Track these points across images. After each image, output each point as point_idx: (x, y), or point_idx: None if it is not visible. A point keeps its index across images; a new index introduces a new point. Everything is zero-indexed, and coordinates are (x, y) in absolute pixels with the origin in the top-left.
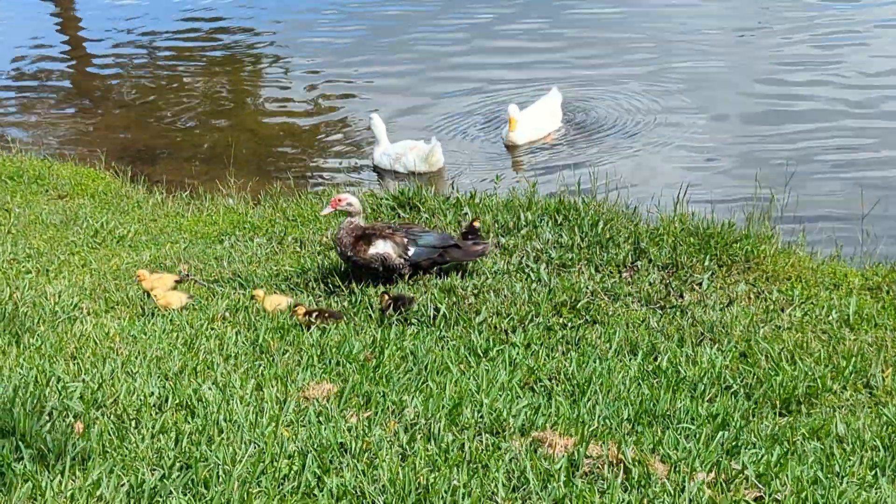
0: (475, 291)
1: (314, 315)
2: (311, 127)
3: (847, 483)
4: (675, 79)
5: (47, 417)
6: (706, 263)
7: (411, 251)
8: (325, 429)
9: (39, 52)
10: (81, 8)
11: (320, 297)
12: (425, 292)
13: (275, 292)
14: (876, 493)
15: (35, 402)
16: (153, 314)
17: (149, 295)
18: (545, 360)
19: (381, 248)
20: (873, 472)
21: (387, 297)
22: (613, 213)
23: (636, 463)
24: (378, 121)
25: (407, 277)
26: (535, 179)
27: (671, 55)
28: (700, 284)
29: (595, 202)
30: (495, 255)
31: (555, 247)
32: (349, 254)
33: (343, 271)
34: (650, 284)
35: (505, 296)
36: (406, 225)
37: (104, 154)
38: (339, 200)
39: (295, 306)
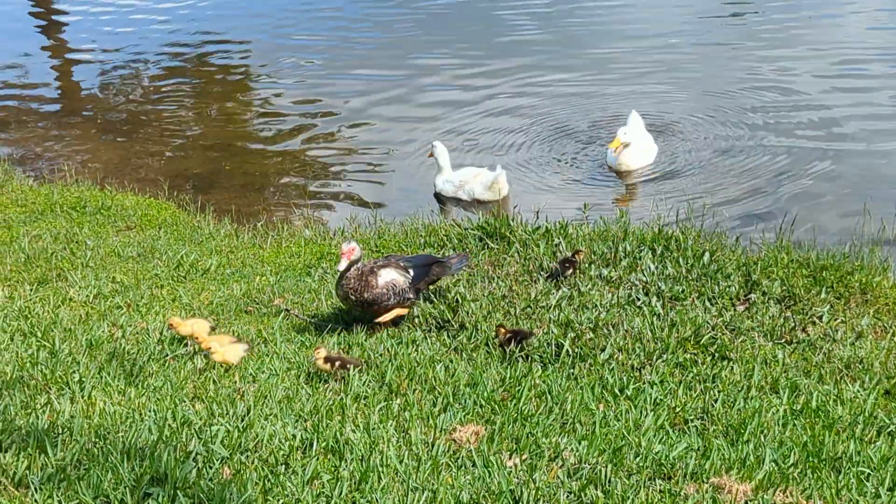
0: (592, 326)
1: (336, 363)
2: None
3: None
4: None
5: (193, 463)
6: (823, 296)
7: (411, 273)
8: (489, 475)
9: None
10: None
11: (428, 329)
12: (539, 327)
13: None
14: None
15: (178, 447)
16: (268, 351)
17: (181, 339)
18: (685, 398)
19: (389, 276)
20: None
21: (503, 329)
22: (716, 244)
23: None
24: (441, 148)
25: (411, 302)
26: (624, 207)
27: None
28: (821, 318)
29: (695, 232)
30: (601, 287)
31: (662, 278)
32: (364, 295)
33: (449, 302)
34: (771, 318)
35: (626, 331)
36: (389, 256)
37: (165, 183)
38: (351, 251)
39: (316, 349)
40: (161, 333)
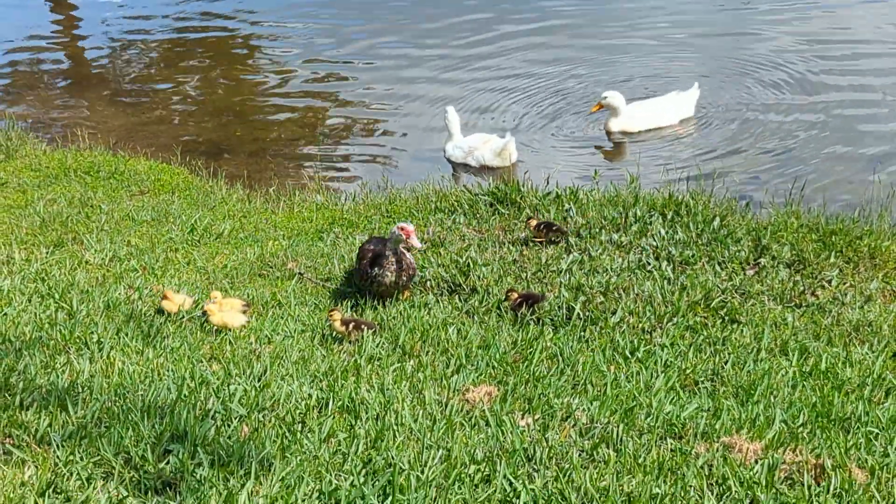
0: (602, 290)
1: (351, 325)
2: (376, 121)
3: None
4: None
5: (211, 421)
6: (832, 260)
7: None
8: (502, 434)
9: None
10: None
11: (440, 293)
12: (550, 290)
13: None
14: None
15: (197, 405)
16: (282, 314)
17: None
18: (695, 360)
19: (409, 257)
20: None
21: (514, 293)
22: (726, 209)
23: (835, 468)
24: (452, 114)
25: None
26: (631, 172)
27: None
28: (830, 282)
29: (704, 197)
30: (612, 252)
31: (672, 243)
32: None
33: (461, 267)
34: (781, 282)
35: (636, 294)
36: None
37: (177, 149)
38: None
39: (330, 311)
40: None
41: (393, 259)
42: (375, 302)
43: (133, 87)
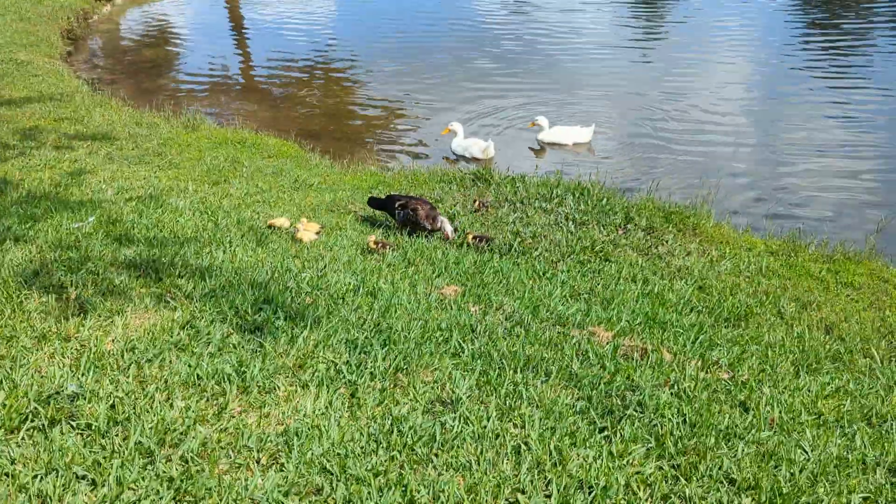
0: (531, 235)
1: (380, 245)
2: (416, 127)
3: (780, 373)
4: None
5: (289, 294)
6: (670, 229)
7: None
8: (459, 315)
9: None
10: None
11: (432, 232)
12: (500, 234)
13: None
14: (797, 381)
15: (281, 283)
16: (340, 235)
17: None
18: (580, 281)
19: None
20: (794, 368)
21: (471, 235)
22: (612, 193)
23: (653, 351)
24: (458, 125)
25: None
26: (559, 169)
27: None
28: (667, 241)
29: (599, 185)
30: (540, 213)
31: (576, 212)
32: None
33: (450, 216)
34: (638, 239)
35: (551, 240)
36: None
37: (293, 133)
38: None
39: (369, 236)
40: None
41: (434, 216)
42: (398, 232)
43: (277, 95)
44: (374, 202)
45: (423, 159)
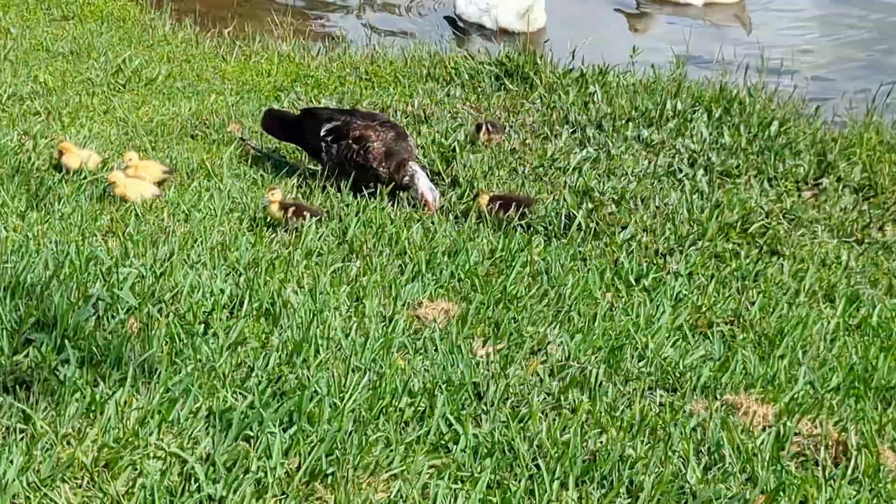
0: (616, 197)
1: (290, 210)
2: None
3: None
4: None
5: (92, 310)
6: None
7: None
8: (451, 362)
9: None
10: None
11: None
12: (551, 192)
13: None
14: None
15: (77, 288)
16: (209, 187)
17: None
18: (717, 297)
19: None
20: None
21: (486, 196)
22: (790, 112)
23: (860, 448)
24: None
25: None
26: (679, 56)
27: None
28: None
29: (765, 95)
30: (637, 152)
31: (714, 148)
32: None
33: (444, 151)
34: (842, 210)
35: (657, 207)
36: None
37: None
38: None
39: (270, 190)
40: (81, 148)
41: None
42: (330, 184)
43: None
44: (275, 122)
45: (396, 32)
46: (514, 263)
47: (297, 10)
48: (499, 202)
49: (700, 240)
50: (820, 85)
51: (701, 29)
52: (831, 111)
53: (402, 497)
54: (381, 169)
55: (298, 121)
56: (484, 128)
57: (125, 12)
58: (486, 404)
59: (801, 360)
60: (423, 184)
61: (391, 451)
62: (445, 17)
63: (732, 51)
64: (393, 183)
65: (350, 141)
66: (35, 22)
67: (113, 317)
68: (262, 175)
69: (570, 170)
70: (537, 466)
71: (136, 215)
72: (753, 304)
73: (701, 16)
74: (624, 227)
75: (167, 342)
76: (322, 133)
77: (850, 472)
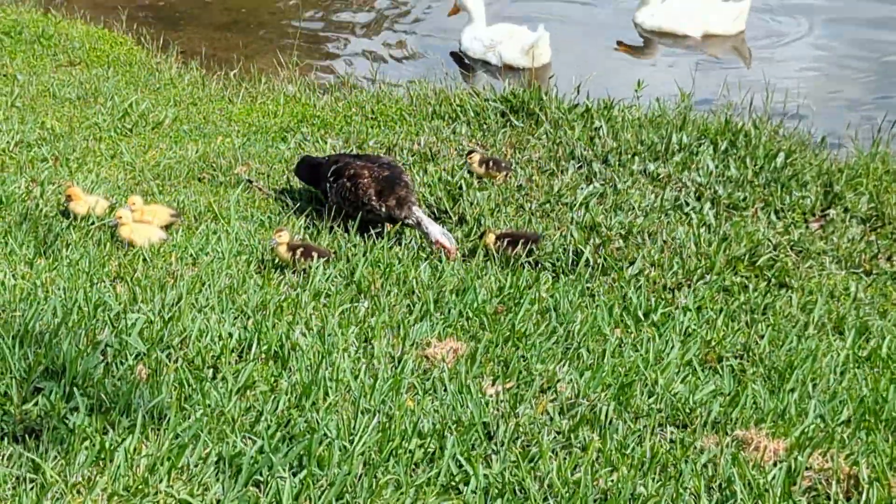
0: (623, 232)
1: (298, 251)
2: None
3: None
4: None
5: (101, 356)
6: None
7: None
8: (461, 402)
9: None
10: None
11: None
12: (558, 228)
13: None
14: None
15: (85, 335)
16: (217, 230)
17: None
18: (726, 331)
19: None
20: None
21: (492, 235)
22: (795, 143)
23: (871, 482)
24: None
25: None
26: (685, 90)
27: None
28: None
29: (770, 126)
30: (644, 186)
31: (720, 181)
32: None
33: (451, 189)
34: (850, 241)
35: (664, 241)
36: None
37: (124, 13)
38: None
39: (277, 231)
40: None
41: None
42: (337, 224)
43: None
44: (304, 168)
45: (402, 62)
46: (522, 301)
47: (302, 50)
48: (506, 239)
49: (708, 273)
50: (825, 116)
51: (702, 61)
52: (836, 142)
53: None
54: (373, 203)
55: (319, 165)
56: (489, 162)
57: (132, 56)
58: (496, 444)
59: (812, 394)
60: (435, 230)
61: (402, 493)
62: (451, 53)
63: (737, 82)
64: (395, 220)
65: (345, 179)
66: (42, 68)
67: (122, 363)
68: (269, 217)
69: (577, 205)
70: None
71: (144, 260)
72: (763, 337)
73: (700, 47)
74: (632, 262)
75: (176, 387)
76: (328, 174)
77: None
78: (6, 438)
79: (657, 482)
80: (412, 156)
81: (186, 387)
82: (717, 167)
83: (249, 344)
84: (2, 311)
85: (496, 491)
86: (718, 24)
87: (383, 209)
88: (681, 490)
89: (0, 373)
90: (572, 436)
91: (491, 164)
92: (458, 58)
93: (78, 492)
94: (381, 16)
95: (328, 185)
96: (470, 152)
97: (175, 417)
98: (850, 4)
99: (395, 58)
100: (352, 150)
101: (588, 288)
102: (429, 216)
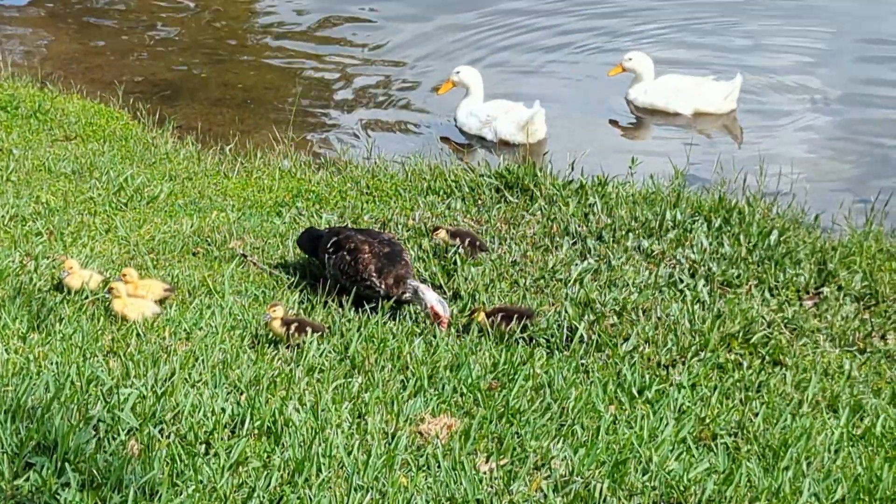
0: (617, 309)
1: (293, 326)
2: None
3: None
4: None
5: (93, 431)
6: None
7: None
8: (454, 479)
9: None
10: None
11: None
12: (552, 304)
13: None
14: None
15: (77, 410)
16: (210, 304)
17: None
18: (720, 409)
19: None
20: None
21: (482, 312)
22: (788, 221)
23: None
24: (469, 73)
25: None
26: (679, 167)
27: None
28: None
29: (764, 204)
30: (638, 262)
31: (714, 258)
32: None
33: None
34: (844, 319)
35: (658, 318)
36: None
37: (120, 88)
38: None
39: (271, 306)
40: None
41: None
42: (332, 298)
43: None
44: (306, 237)
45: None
46: (516, 377)
47: (297, 125)
48: (500, 314)
49: (702, 351)
50: (818, 194)
51: (694, 138)
52: (830, 220)
53: None
54: (373, 280)
55: (319, 237)
56: (466, 240)
57: (128, 131)
58: None
59: (806, 472)
60: (431, 297)
61: None
62: (446, 131)
63: (729, 160)
64: (392, 297)
65: (344, 252)
66: (37, 142)
67: (114, 438)
68: (263, 291)
69: (572, 281)
70: None
71: (138, 334)
72: (757, 415)
73: (691, 125)
74: (626, 339)
75: (168, 463)
76: (327, 245)
77: None
78: None
79: None
80: (406, 230)
81: (178, 462)
82: (711, 244)
83: (242, 419)
84: None
85: None
86: (710, 103)
87: (382, 287)
88: None
89: None
90: None
91: (458, 237)
92: (454, 133)
93: None
94: (376, 92)
95: (327, 255)
96: (435, 229)
97: (167, 493)
98: (843, 85)
99: (390, 132)
100: (346, 225)
101: (582, 364)
102: (426, 282)
